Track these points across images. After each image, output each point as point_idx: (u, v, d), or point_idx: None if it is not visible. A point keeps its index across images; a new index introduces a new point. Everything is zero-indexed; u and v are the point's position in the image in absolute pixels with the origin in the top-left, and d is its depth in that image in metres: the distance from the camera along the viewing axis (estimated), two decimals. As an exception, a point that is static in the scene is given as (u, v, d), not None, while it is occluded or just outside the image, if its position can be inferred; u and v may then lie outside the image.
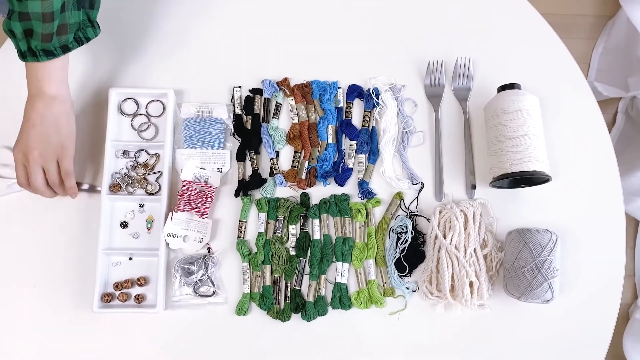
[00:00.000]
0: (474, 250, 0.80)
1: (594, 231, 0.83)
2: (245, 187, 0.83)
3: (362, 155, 0.86)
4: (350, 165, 0.85)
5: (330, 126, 0.86)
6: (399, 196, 0.84)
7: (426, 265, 0.81)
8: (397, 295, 0.81)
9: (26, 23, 0.69)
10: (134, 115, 0.86)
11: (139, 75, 0.88)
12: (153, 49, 0.89)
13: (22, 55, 0.72)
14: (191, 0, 0.92)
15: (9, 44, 0.87)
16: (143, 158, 0.85)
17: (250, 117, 0.87)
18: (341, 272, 0.81)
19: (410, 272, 0.82)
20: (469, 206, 0.82)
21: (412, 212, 0.83)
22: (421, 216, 0.83)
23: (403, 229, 0.82)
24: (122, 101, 0.86)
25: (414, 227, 0.82)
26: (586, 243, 0.82)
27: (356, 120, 0.88)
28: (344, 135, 0.87)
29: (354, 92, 0.88)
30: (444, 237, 0.80)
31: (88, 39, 0.76)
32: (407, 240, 0.81)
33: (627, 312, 1.50)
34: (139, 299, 0.80)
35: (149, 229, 0.82)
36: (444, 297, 0.79)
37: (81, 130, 0.84)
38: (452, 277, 0.79)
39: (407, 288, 0.81)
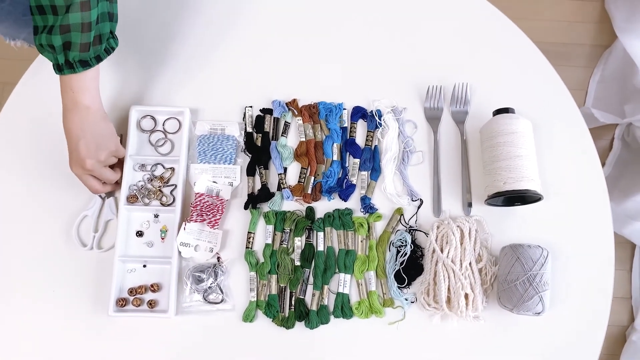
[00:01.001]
0: (470, 264, 0.83)
1: (583, 247, 0.85)
2: (254, 201, 0.86)
3: (364, 173, 0.88)
4: (354, 182, 0.88)
5: (335, 145, 0.89)
6: (399, 212, 0.87)
7: (424, 278, 0.84)
8: (396, 306, 0.84)
9: (66, 35, 0.71)
10: (152, 131, 0.90)
11: (157, 94, 0.92)
12: (171, 71, 0.93)
13: (59, 69, 0.74)
14: (207, 27, 0.97)
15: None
16: (159, 171, 0.88)
17: (261, 135, 0.90)
18: (343, 282, 0.83)
19: (409, 284, 0.84)
20: (465, 222, 0.84)
21: (411, 227, 0.86)
22: (420, 231, 0.86)
23: (402, 243, 0.85)
24: (141, 118, 0.90)
25: (413, 241, 0.85)
26: (575, 259, 0.85)
27: (360, 139, 0.91)
28: (348, 154, 0.89)
29: (358, 113, 0.91)
30: (441, 251, 0.83)
31: (113, 49, 0.79)
32: (406, 254, 0.84)
33: (624, 334, 1.51)
34: (152, 304, 0.83)
35: (162, 238, 0.85)
36: (441, 308, 0.81)
37: None
38: (449, 289, 0.81)
39: (406, 299, 0.83)
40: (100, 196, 0.87)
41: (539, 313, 0.78)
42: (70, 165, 0.79)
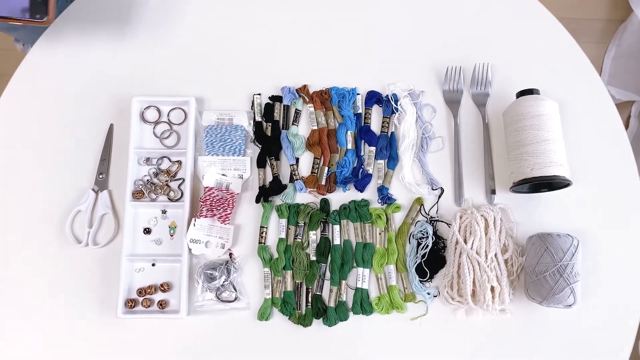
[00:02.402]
0: (495, 255, 0.80)
1: (616, 235, 0.82)
2: (265, 193, 0.84)
3: (381, 161, 0.86)
4: (370, 171, 0.85)
5: (349, 132, 0.86)
6: (419, 202, 0.84)
7: (447, 271, 0.81)
8: (418, 301, 0.81)
9: None
10: (156, 123, 0.87)
11: (161, 83, 0.89)
12: (174, 58, 0.90)
13: None
14: (212, 10, 0.93)
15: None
16: (165, 165, 0.85)
17: (270, 124, 0.87)
18: (362, 277, 0.81)
19: (431, 277, 0.81)
20: (489, 211, 0.81)
21: (432, 217, 0.83)
22: (441, 221, 0.83)
23: (423, 235, 0.82)
24: (144, 109, 0.87)
25: (435, 233, 0.82)
26: (608, 247, 0.82)
27: (375, 126, 0.88)
28: (363, 142, 0.87)
29: (373, 98, 0.88)
30: (465, 242, 0.80)
31: None
32: (427, 246, 0.81)
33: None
34: (162, 304, 0.80)
35: (171, 235, 0.83)
36: (465, 302, 0.79)
37: (102, 138, 0.87)
38: (474, 282, 0.78)
39: (428, 293, 0.81)
40: (93, 190, 0.84)
41: (570, 305, 0.75)
42: None
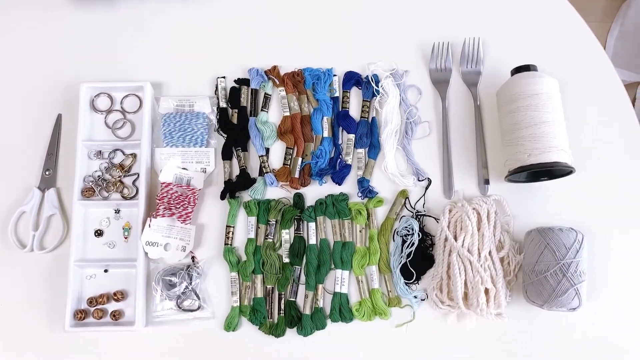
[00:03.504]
0: (489, 253, 0.74)
1: (625, 228, 0.77)
2: (232, 189, 0.79)
3: (361, 150, 0.81)
4: (349, 162, 0.81)
5: (325, 118, 0.82)
6: (404, 194, 0.78)
7: (435, 271, 0.76)
8: (403, 305, 0.76)
9: None
10: (108, 111, 0.82)
11: (112, 67, 0.84)
12: (127, 38, 0.85)
13: None
14: (170, -16, 0.87)
15: None
16: (118, 159, 0.81)
17: (237, 110, 0.82)
18: (340, 280, 0.76)
19: (418, 278, 0.77)
20: (482, 203, 0.76)
21: (418, 211, 0.78)
22: (429, 216, 0.78)
23: (409, 231, 0.76)
24: (95, 96, 0.83)
25: (421, 229, 0.77)
26: (616, 242, 0.77)
27: (354, 111, 0.83)
28: (340, 128, 0.82)
29: (351, 79, 0.83)
30: (455, 239, 0.75)
31: None
32: (413, 244, 0.76)
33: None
34: (116, 315, 0.75)
35: (125, 238, 0.78)
36: (456, 306, 0.73)
37: (49, 129, 0.81)
38: (465, 283, 0.73)
39: (415, 297, 0.76)
40: (39, 188, 0.79)
41: (575, 309, 0.69)
42: None
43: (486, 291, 0.72)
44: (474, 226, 0.74)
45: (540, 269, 0.70)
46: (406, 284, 0.76)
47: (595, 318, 0.74)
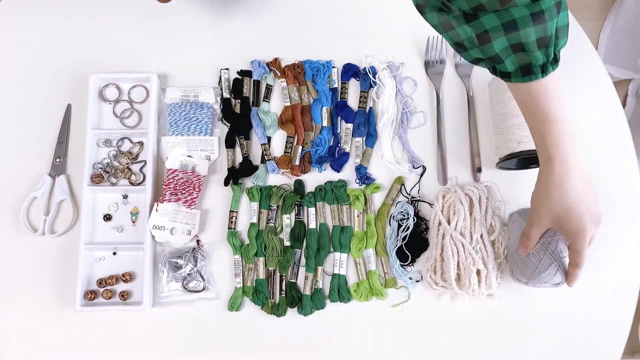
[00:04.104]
0: (481, 236, 0.75)
1: (610, 211, 0.77)
2: (235, 175, 0.80)
3: (359, 139, 0.81)
4: (347, 150, 0.81)
5: (324, 108, 0.82)
6: (399, 181, 0.79)
7: (430, 254, 0.77)
8: (399, 287, 0.77)
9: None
10: (116, 101, 0.82)
11: (120, 59, 0.84)
12: (135, 31, 0.86)
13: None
14: (175, -20, 0.87)
15: None
16: (126, 147, 0.81)
17: (239, 100, 0.83)
18: (339, 262, 0.77)
19: (413, 261, 0.77)
20: (474, 189, 0.77)
21: (413, 197, 0.79)
22: (423, 201, 0.79)
23: (404, 216, 0.77)
24: (103, 87, 0.83)
25: (416, 214, 0.78)
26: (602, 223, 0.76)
27: (352, 101, 0.84)
28: (339, 118, 0.83)
29: (349, 71, 0.84)
30: (448, 223, 0.76)
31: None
32: (408, 228, 0.76)
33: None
34: (125, 296, 0.76)
35: (133, 222, 0.79)
36: (450, 287, 0.74)
37: (59, 119, 0.82)
38: (458, 265, 0.74)
39: (410, 278, 0.77)
40: (50, 174, 0.79)
41: (558, 284, 0.70)
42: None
43: (478, 272, 0.73)
44: (466, 211, 0.75)
45: None
46: (402, 266, 0.76)
47: (578, 292, 0.74)
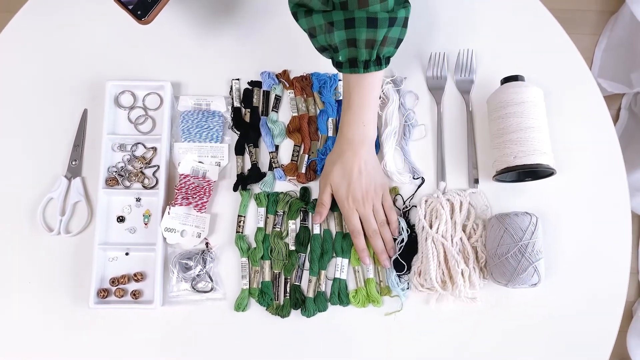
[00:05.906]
0: (460, 239, 0.78)
1: (599, 224, 0.81)
2: (244, 181, 0.82)
3: None
4: None
5: (330, 119, 0.84)
6: (395, 191, 0.82)
7: (417, 258, 0.79)
8: (393, 295, 0.79)
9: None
10: (131, 108, 0.85)
11: (136, 67, 0.87)
12: (150, 41, 0.88)
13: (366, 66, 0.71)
14: (189, -8, 0.90)
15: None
16: (140, 151, 0.83)
17: (249, 110, 0.85)
18: (340, 267, 0.79)
19: (409, 269, 0.79)
20: (456, 195, 0.80)
21: (405, 207, 0.81)
22: (414, 206, 0.81)
23: (399, 230, 0.80)
24: (119, 94, 0.85)
25: (411, 225, 0.80)
26: (591, 235, 0.81)
27: None
28: None
29: None
30: (430, 227, 0.78)
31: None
32: (403, 240, 0.79)
33: (631, 310, 1.49)
34: (136, 294, 0.78)
35: (146, 224, 0.81)
36: (434, 289, 0.77)
37: (75, 123, 0.85)
38: (446, 266, 0.77)
39: (402, 289, 0.78)
40: (66, 176, 0.82)
41: (535, 284, 0.73)
42: (339, 195, 0.78)
43: (462, 273, 0.75)
44: (447, 215, 0.78)
45: (501, 252, 0.73)
46: (398, 275, 0.78)
47: (553, 291, 0.78)
